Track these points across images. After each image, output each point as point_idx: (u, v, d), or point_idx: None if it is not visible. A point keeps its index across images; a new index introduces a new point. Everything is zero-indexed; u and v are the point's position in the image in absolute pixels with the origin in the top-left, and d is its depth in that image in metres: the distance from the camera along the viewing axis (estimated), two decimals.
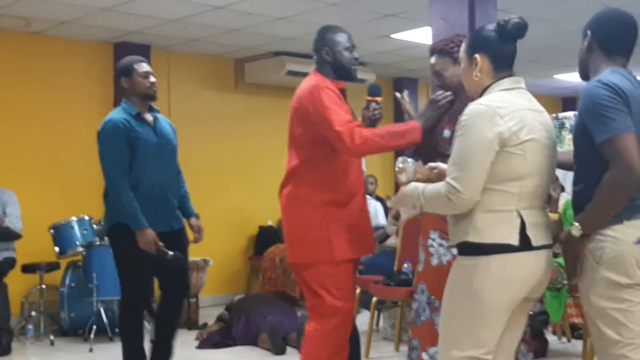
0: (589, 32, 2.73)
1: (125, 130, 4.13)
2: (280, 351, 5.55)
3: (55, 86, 7.37)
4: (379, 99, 3.55)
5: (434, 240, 3.45)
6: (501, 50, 2.68)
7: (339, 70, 3.50)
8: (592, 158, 2.55)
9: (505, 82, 2.67)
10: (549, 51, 8.34)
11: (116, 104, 7.55)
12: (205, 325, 6.51)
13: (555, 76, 9.98)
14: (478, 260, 2.54)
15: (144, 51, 7.66)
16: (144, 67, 4.28)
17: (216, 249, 8.03)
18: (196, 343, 5.98)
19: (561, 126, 7.56)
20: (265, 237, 8.35)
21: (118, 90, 7.60)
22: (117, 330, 6.17)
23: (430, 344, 3.34)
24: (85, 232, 6.39)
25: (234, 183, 8.39)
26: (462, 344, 2.58)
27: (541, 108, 2.71)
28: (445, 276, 2.72)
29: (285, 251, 7.61)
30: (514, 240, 2.52)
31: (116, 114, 4.24)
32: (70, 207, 6.90)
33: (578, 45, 2.81)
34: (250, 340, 5.84)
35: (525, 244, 2.53)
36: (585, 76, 2.76)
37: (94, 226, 6.44)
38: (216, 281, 7.99)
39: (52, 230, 6.39)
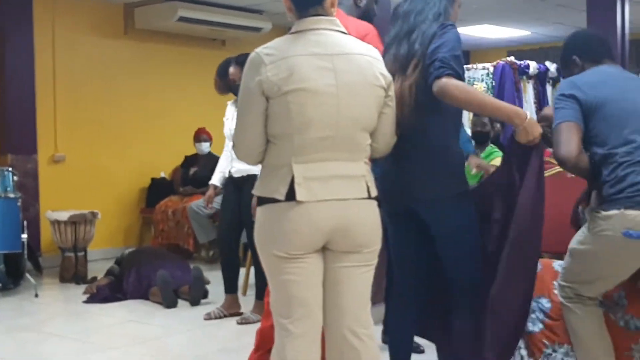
0: (575, 58, 3.04)
1: None
2: (171, 304, 5.47)
3: None
4: None
5: None
6: None
7: None
8: None
9: (295, 25, 2.53)
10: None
11: None
12: (94, 279, 6.34)
13: None
14: (257, 211, 2.54)
15: None
16: None
17: (106, 202, 7.81)
18: (84, 297, 5.81)
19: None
20: (158, 190, 8.16)
21: (3, 37, 7.19)
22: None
23: None
24: None
25: (124, 133, 8.13)
26: (274, 309, 2.55)
27: (346, 50, 2.49)
28: None
29: (178, 203, 7.55)
30: (280, 195, 2.43)
31: None
32: None
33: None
34: (142, 294, 5.73)
35: (292, 199, 2.42)
36: None
37: None
38: (106, 234, 7.78)
39: None
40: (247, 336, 4.46)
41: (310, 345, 2.50)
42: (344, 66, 2.47)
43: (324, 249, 2.52)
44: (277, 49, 2.48)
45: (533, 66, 7.20)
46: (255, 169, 4.63)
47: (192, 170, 7.85)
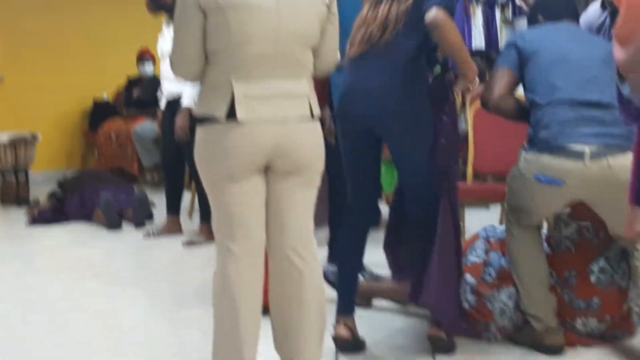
0: (539, 16, 3.16)
1: None
2: (115, 226, 5.44)
3: None
4: None
5: None
6: None
7: None
8: None
9: None
10: None
11: None
12: (37, 202, 6.23)
13: None
14: (197, 131, 2.48)
15: None
16: None
17: (47, 123, 7.66)
18: (27, 220, 5.73)
19: None
20: (101, 112, 8.00)
21: None
22: None
23: None
24: None
25: (65, 53, 7.89)
26: (216, 230, 2.52)
27: None
28: None
29: (122, 126, 7.42)
30: (221, 114, 2.36)
31: None
32: None
33: None
34: (85, 216, 5.68)
35: (232, 118, 2.36)
36: None
37: None
38: (49, 157, 7.65)
39: None
40: (192, 258, 4.48)
41: (252, 265, 2.49)
42: None
43: (266, 170, 2.50)
44: None
45: None
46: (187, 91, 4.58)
47: (136, 93, 7.68)
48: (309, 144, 2.49)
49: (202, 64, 2.44)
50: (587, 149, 2.70)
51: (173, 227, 5.18)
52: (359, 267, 3.15)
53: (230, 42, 2.36)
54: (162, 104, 5.27)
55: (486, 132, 4.16)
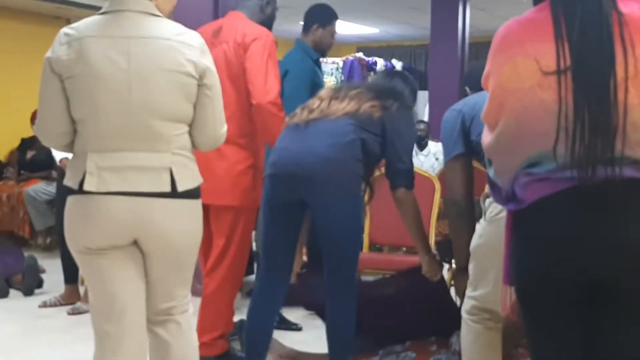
0: (466, 88, 3.24)
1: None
2: (2, 293, 5.18)
3: None
4: None
5: None
6: None
7: None
8: None
9: (107, 3, 2.37)
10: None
11: None
12: None
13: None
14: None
15: None
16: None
17: None
18: None
19: None
20: None
21: None
22: None
23: None
24: None
25: None
26: (92, 308, 2.45)
27: (145, 34, 2.32)
28: None
29: (13, 188, 7.16)
30: (75, 185, 2.30)
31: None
32: None
33: None
34: None
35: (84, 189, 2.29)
36: None
37: None
38: None
39: None
40: (80, 327, 4.32)
41: (131, 348, 2.36)
42: (139, 51, 2.29)
43: (138, 246, 2.39)
44: (78, 29, 2.32)
45: (380, 63, 7.43)
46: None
47: (30, 154, 7.46)
48: (171, 223, 2.35)
49: (65, 130, 2.35)
50: None
51: (71, 295, 4.93)
52: (271, 331, 3.08)
53: (83, 112, 2.30)
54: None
55: (382, 202, 4.23)
